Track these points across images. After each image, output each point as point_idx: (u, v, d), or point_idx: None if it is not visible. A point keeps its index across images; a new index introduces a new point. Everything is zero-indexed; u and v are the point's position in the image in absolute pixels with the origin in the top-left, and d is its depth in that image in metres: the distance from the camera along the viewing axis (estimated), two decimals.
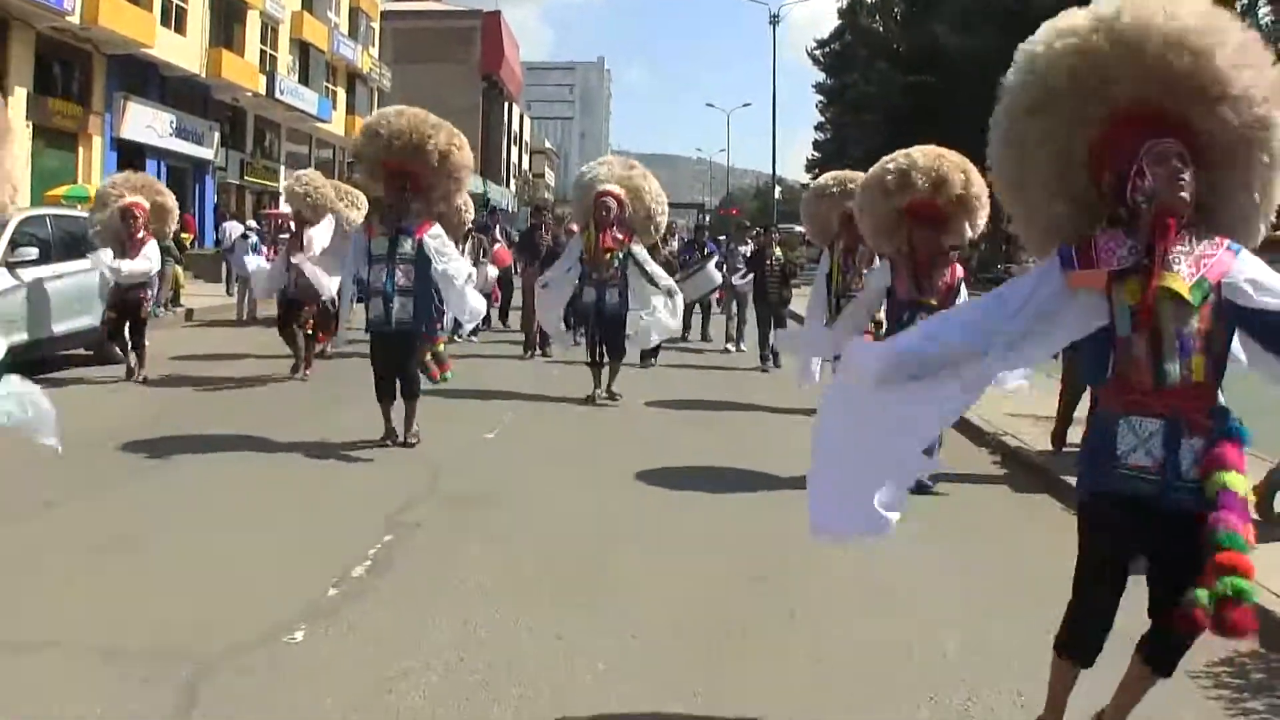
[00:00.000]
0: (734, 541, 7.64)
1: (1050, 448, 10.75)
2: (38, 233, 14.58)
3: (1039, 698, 4.41)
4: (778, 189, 70.46)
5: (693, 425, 12.55)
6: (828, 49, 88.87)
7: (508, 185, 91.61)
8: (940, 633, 5.83)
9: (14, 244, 13.83)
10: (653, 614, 6.00)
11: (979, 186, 8.96)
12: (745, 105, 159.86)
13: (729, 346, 20.91)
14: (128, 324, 14.40)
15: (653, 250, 17.44)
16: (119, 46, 34.65)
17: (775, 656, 5.48)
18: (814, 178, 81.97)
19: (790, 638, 5.76)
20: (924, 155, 9.12)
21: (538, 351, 18.43)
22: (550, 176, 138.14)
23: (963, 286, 9.32)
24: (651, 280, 13.45)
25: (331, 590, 6.17)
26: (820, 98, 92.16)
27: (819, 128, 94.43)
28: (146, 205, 14.35)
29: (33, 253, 14.04)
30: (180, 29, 38.79)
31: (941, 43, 61.59)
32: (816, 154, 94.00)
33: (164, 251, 20.01)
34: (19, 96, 30.42)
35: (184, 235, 28.43)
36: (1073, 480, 5.20)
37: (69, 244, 14.79)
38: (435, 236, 10.37)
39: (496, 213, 23.53)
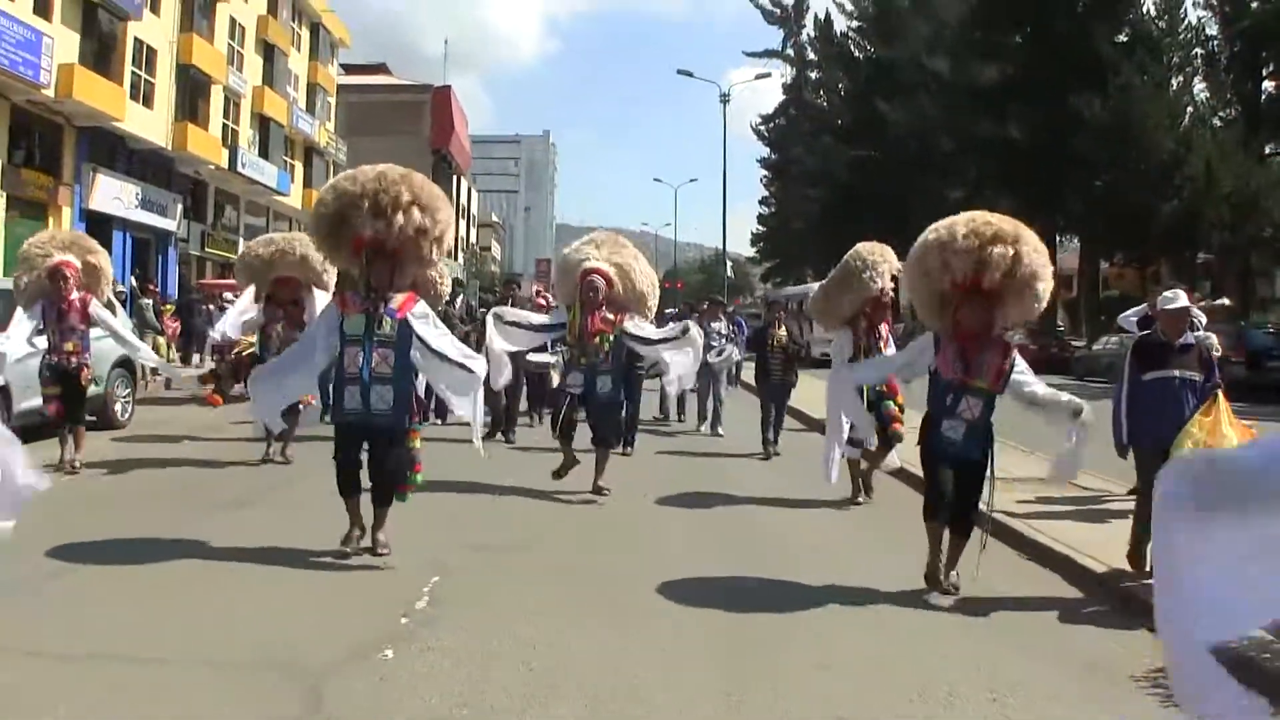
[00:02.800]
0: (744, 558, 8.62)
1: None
2: None
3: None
4: (729, 264, 71.21)
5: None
6: (772, 124, 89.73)
7: (456, 258, 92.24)
8: (924, 643, 7.01)
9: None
10: (677, 631, 7.07)
11: (1033, 260, 8.00)
12: (692, 181, 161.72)
13: (703, 429, 19.30)
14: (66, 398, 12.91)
15: None
16: (90, 119, 35.50)
17: (787, 663, 6.51)
18: (759, 251, 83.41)
19: (798, 648, 6.81)
20: (968, 224, 8.09)
21: (499, 435, 16.71)
22: (496, 250, 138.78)
23: (1021, 369, 8.26)
24: (657, 343, 12.40)
25: (403, 619, 7.17)
26: (765, 172, 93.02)
27: (763, 201, 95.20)
28: (78, 264, 12.89)
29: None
30: (148, 103, 39.62)
31: (883, 116, 62.91)
32: (761, 227, 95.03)
33: (143, 323, 20.64)
34: None
35: (165, 308, 29.19)
36: None
37: None
38: (421, 316, 8.87)
39: (512, 284, 21.20)
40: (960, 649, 6.93)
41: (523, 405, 18.70)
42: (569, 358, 12.66)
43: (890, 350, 11.77)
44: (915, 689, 6.11)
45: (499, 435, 16.64)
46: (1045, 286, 8.17)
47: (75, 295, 12.72)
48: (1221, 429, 7.95)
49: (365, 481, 8.94)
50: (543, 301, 19.02)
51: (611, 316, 12.05)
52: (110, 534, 9.33)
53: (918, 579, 8.30)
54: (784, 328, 16.80)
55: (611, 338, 12.04)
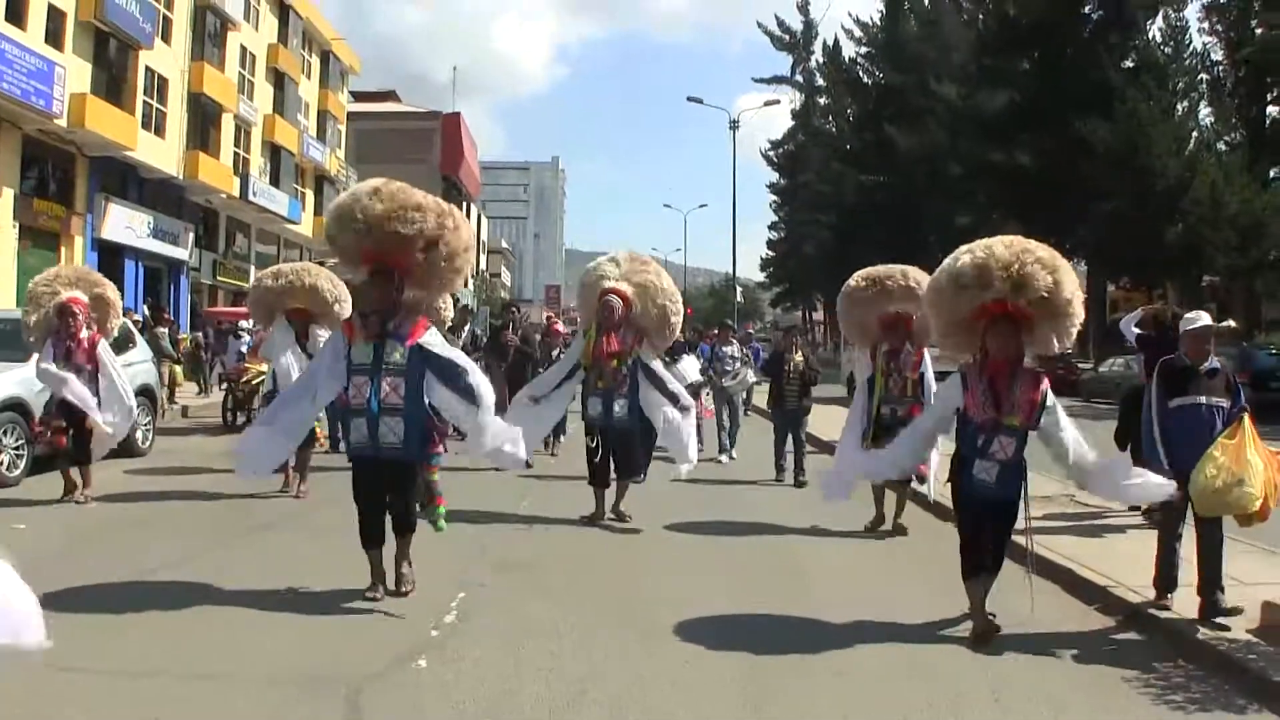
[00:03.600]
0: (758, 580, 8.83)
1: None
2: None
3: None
4: (739, 289, 71.26)
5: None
6: (781, 149, 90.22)
7: (467, 285, 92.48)
8: (932, 653, 7.30)
9: None
10: (696, 646, 7.32)
11: (1070, 289, 7.64)
12: (701, 206, 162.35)
13: (720, 458, 18.31)
14: (72, 434, 12.68)
15: None
16: (101, 149, 35.61)
17: (804, 673, 6.79)
18: (768, 276, 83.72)
19: (814, 658, 7.09)
20: (1006, 248, 7.60)
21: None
22: (506, 276, 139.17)
23: (1051, 405, 7.73)
24: (662, 390, 11.87)
25: (434, 631, 7.52)
26: (774, 197, 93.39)
27: (773, 226, 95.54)
28: (86, 300, 12.71)
29: None
30: (160, 132, 39.82)
31: (892, 141, 63.17)
32: (770, 252, 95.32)
33: (158, 351, 20.78)
34: (6, 197, 31.65)
35: (182, 338, 29.51)
36: None
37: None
38: (432, 344, 8.29)
39: (513, 308, 20.51)
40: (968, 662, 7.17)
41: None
42: (586, 383, 12.01)
43: (929, 374, 11.74)
44: (924, 698, 6.38)
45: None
46: (1079, 314, 7.79)
47: (85, 334, 12.53)
48: (1245, 453, 7.57)
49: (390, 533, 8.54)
50: (558, 329, 19.08)
51: (630, 340, 11.70)
52: (137, 559, 9.57)
53: (935, 602, 8.37)
54: (800, 353, 16.47)
55: (630, 361, 11.71)
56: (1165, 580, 8.19)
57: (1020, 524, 7.88)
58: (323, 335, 13.15)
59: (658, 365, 12.10)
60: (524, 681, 6.44)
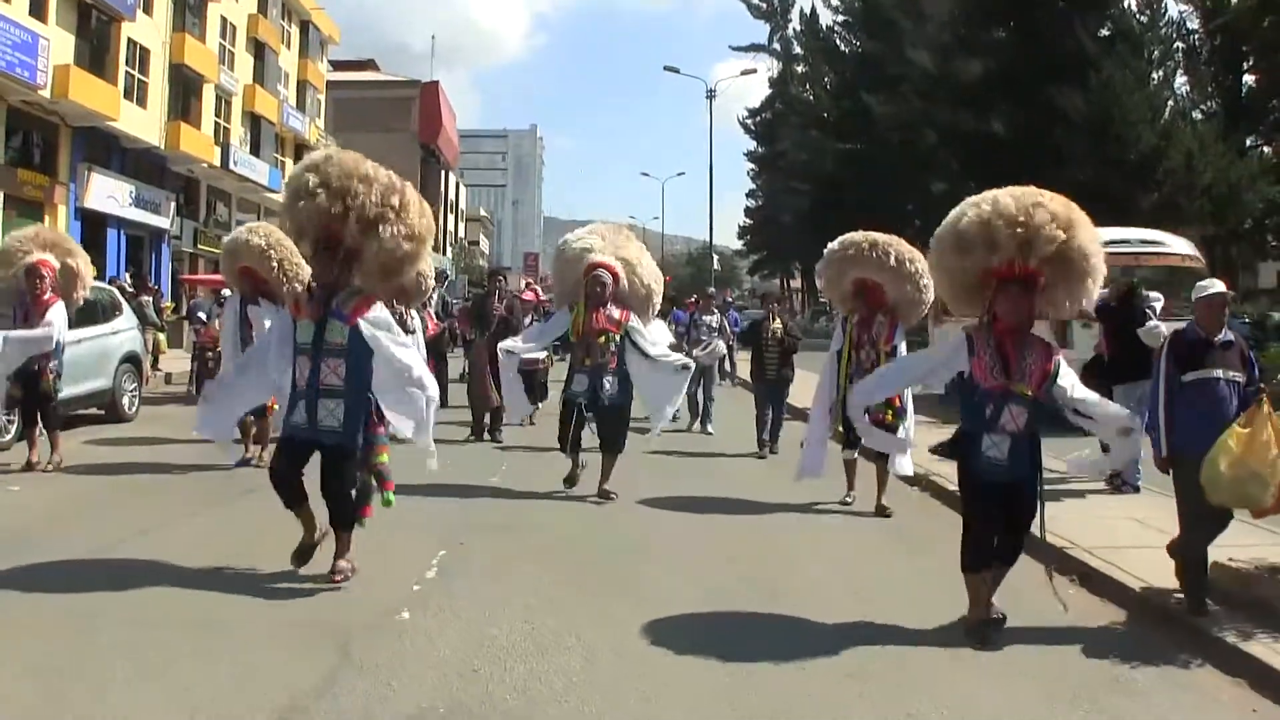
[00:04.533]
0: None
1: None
2: None
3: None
4: (716, 257, 71.50)
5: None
6: (759, 117, 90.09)
7: (444, 253, 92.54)
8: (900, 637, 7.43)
9: None
10: (669, 595, 7.67)
11: (1086, 243, 6.99)
12: (679, 174, 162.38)
13: (694, 427, 18.37)
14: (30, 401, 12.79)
15: None
16: (84, 119, 35.86)
17: (771, 622, 7.18)
18: (746, 244, 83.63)
19: (782, 639, 7.27)
20: (1014, 200, 6.95)
21: (486, 436, 16.16)
22: (485, 244, 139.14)
23: (1063, 374, 7.16)
24: (644, 349, 11.52)
25: (416, 586, 7.94)
26: (752, 165, 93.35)
27: (750, 194, 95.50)
28: (56, 265, 12.65)
29: None
30: (142, 102, 39.93)
31: (869, 110, 63.34)
32: (748, 220, 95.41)
33: (142, 319, 21.06)
34: None
35: (166, 306, 29.76)
36: None
37: (87, 310, 15.96)
38: (376, 322, 7.85)
39: (499, 275, 18.62)
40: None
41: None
42: (572, 359, 11.82)
43: (902, 348, 11.22)
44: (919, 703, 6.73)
45: (486, 436, 16.11)
46: (1100, 272, 7.14)
47: (46, 296, 12.41)
48: (1260, 438, 6.92)
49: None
50: (530, 295, 18.95)
51: (617, 315, 11.39)
52: (133, 521, 9.98)
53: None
54: (779, 320, 15.95)
55: (618, 338, 11.39)
56: (1198, 604, 7.34)
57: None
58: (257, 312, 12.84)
59: (646, 341, 11.63)
60: (502, 630, 6.84)
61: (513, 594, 7.72)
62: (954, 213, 7.29)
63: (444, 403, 16.77)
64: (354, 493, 8.12)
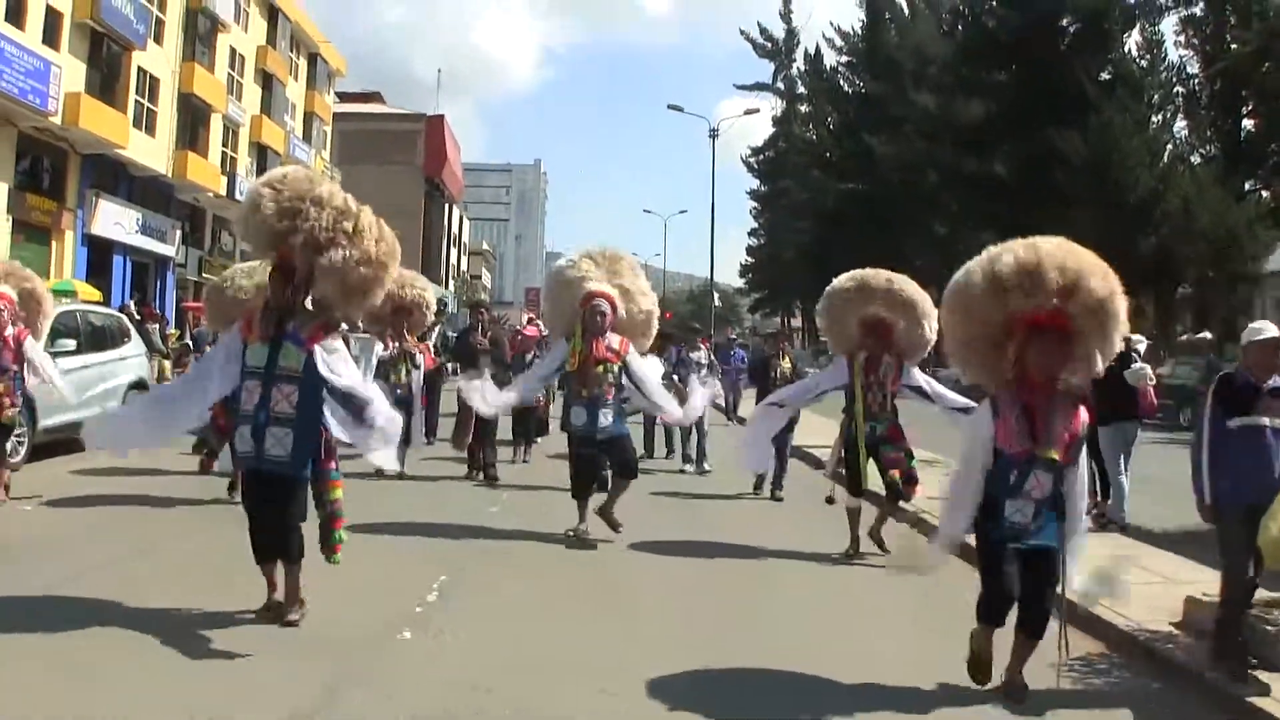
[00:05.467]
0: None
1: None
2: (70, 326, 16.09)
3: None
4: (716, 296, 71.66)
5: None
6: (762, 156, 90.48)
7: (446, 286, 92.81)
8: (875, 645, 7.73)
9: (53, 336, 15.02)
10: (662, 620, 7.96)
11: (1121, 302, 6.57)
12: (681, 212, 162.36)
13: (686, 467, 17.30)
14: None
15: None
16: (93, 146, 36.27)
17: (758, 640, 7.36)
18: (747, 282, 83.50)
19: (768, 629, 7.60)
20: (1056, 246, 6.58)
21: (480, 475, 15.20)
22: (487, 278, 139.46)
23: (1082, 439, 6.68)
24: (642, 387, 11.23)
25: (418, 608, 8.15)
26: (754, 203, 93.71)
27: (752, 233, 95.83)
28: (14, 296, 11.86)
29: (70, 344, 15.59)
30: (150, 131, 40.37)
31: (871, 150, 63.79)
32: (750, 259, 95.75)
33: (149, 346, 21.33)
34: (0, 191, 32.18)
35: (170, 334, 30.10)
36: None
37: (96, 336, 16.26)
38: (331, 349, 7.45)
39: (481, 308, 17.33)
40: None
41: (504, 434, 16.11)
42: (569, 390, 11.36)
43: (916, 375, 11.05)
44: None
45: (479, 476, 15.16)
46: (1125, 327, 6.71)
47: (9, 331, 11.63)
48: None
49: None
50: (533, 331, 18.33)
51: (616, 344, 10.96)
52: (137, 538, 10.21)
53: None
54: (788, 359, 15.61)
55: (616, 368, 10.96)
56: (1234, 669, 6.85)
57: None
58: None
59: (644, 372, 11.31)
60: (498, 651, 7.09)
61: (510, 617, 8.00)
62: (980, 260, 6.76)
63: (433, 439, 17.00)
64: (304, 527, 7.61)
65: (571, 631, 7.72)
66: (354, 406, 7.37)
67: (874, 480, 11.05)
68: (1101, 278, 6.47)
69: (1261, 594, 7.46)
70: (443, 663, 6.80)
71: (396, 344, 14.51)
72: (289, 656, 6.73)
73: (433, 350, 17.51)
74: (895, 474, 10.85)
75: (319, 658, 6.71)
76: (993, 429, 6.53)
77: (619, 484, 11.27)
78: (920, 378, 11.08)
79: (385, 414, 7.51)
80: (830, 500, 11.98)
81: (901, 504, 11.10)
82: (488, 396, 11.55)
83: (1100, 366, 6.67)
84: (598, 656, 7.09)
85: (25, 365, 11.98)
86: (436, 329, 21.82)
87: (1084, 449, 6.74)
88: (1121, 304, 6.53)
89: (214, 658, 6.60)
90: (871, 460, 10.96)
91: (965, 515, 6.69)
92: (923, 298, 10.98)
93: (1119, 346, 6.87)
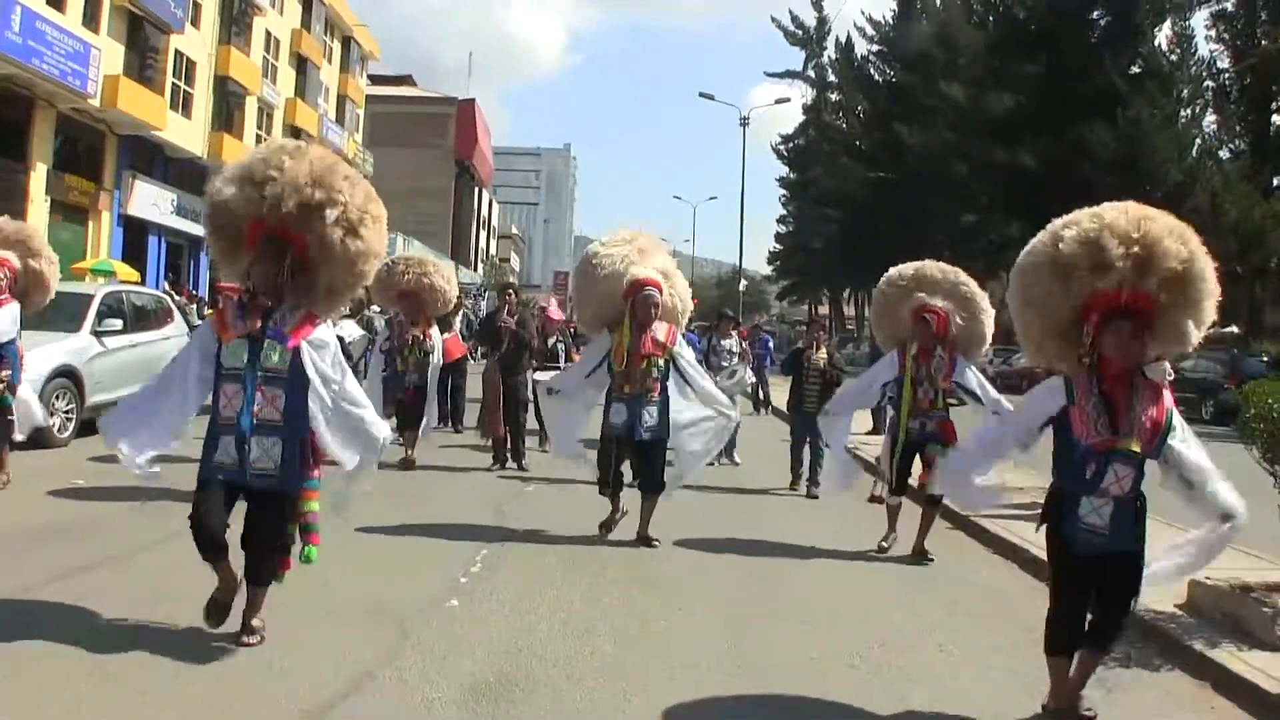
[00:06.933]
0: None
1: None
2: (116, 306, 16.54)
3: None
4: (744, 282, 71.70)
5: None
6: (792, 144, 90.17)
7: (476, 269, 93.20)
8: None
9: (100, 315, 15.69)
10: (693, 592, 8.33)
11: (1206, 260, 5.74)
12: (711, 199, 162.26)
13: (721, 459, 15.55)
14: None
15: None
16: (131, 128, 36.91)
17: (783, 622, 7.74)
18: (775, 270, 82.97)
19: (793, 612, 7.97)
20: (1124, 215, 5.78)
21: (509, 462, 14.68)
22: (515, 261, 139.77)
23: (1177, 426, 5.82)
24: (693, 388, 10.33)
25: (463, 578, 8.59)
26: (783, 191, 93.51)
27: (781, 220, 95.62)
28: (17, 264, 11.27)
29: (117, 323, 15.99)
30: (186, 112, 40.92)
31: (901, 140, 63.81)
32: (778, 246, 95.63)
33: (190, 326, 21.73)
34: (40, 172, 32.83)
35: (208, 314, 30.55)
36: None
37: (140, 316, 16.70)
38: (319, 344, 6.55)
39: (509, 289, 17.00)
40: None
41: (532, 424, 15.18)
42: (610, 386, 10.31)
43: (970, 376, 10.30)
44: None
45: (510, 464, 14.68)
46: (1217, 292, 5.81)
47: (2, 296, 11.13)
48: None
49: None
50: (557, 315, 17.78)
51: (663, 335, 10.11)
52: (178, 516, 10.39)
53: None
54: (823, 350, 14.54)
55: (662, 361, 10.11)
56: None
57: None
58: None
59: (693, 366, 10.50)
60: (542, 618, 7.51)
61: (549, 587, 8.38)
62: (1043, 237, 6.02)
63: (460, 427, 17.47)
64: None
65: (605, 599, 8.15)
66: (350, 425, 6.66)
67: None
68: (1178, 240, 5.64)
69: (1264, 577, 7.87)
70: (491, 629, 7.20)
71: (404, 332, 14.18)
72: (351, 623, 7.11)
73: (459, 334, 17.35)
74: (925, 479, 10.13)
75: (374, 625, 7.12)
76: (1062, 409, 5.83)
77: (648, 501, 10.32)
78: (974, 378, 10.32)
79: (379, 428, 6.87)
80: (876, 499, 11.34)
81: (980, 514, 10.79)
82: (568, 432, 10.72)
83: (1197, 339, 5.85)
84: (631, 622, 7.54)
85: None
86: (460, 314, 21.91)
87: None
88: (1205, 265, 5.70)
89: (286, 623, 6.80)
90: (917, 459, 10.40)
91: (978, 458, 6.47)
92: (981, 294, 10.60)
93: (1213, 314, 5.82)
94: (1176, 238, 5.63)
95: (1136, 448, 5.65)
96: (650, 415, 10.07)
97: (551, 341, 16.26)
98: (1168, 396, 5.82)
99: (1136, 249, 5.57)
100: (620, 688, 6.22)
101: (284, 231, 6.42)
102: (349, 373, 6.81)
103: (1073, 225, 5.83)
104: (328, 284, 6.65)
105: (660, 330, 10.10)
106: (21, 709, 5.39)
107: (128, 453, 6.54)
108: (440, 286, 13.75)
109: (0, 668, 5.85)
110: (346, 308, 9.21)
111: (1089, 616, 5.88)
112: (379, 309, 17.76)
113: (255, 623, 6.55)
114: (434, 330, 14.07)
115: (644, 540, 10.14)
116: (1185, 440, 5.82)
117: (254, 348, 6.37)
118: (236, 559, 6.54)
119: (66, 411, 14.53)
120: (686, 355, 10.37)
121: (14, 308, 11.25)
